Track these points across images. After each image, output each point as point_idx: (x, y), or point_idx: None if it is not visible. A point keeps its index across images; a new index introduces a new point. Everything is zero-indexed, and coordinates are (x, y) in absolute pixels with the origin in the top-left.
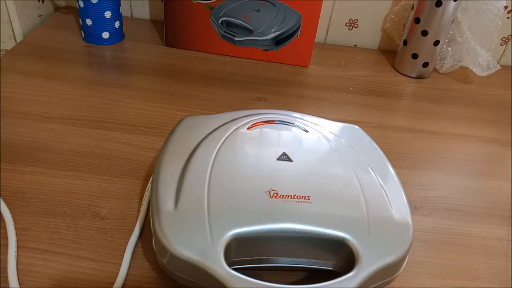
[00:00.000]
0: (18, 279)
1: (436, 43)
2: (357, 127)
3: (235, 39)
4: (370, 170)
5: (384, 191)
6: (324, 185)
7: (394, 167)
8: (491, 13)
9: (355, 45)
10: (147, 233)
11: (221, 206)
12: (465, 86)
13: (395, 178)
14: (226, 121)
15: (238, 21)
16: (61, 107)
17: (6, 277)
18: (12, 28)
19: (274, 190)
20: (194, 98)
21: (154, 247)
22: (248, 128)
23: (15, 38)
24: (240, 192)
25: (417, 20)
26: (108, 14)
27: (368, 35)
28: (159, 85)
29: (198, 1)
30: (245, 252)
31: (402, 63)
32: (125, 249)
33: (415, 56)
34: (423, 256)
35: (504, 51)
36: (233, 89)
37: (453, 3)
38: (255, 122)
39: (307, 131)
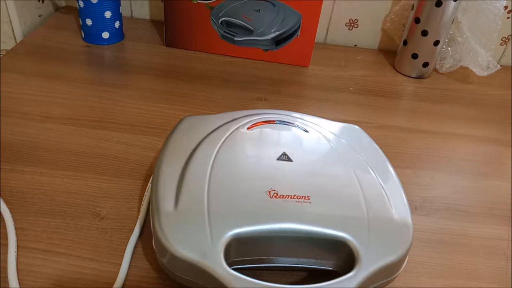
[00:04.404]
0: (18, 279)
1: (436, 43)
2: (357, 127)
3: (235, 39)
4: (370, 170)
5: (384, 191)
6: (324, 185)
7: (394, 167)
8: (491, 13)
9: (355, 45)
10: (147, 233)
11: (221, 206)
12: (465, 86)
13: (395, 178)
14: (226, 121)
15: (238, 21)
16: (61, 107)
17: (6, 277)
18: (12, 28)
19: (274, 190)
20: (194, 98)
21: (154, 247)
22: (248, 128)
23: (15, 38)
24: (240, 192)
25: (417, 20)
26: (108, 14)
27: (368, 35)
28: (159, 85)
29: (198, 1)
30: (245, 252)
31: (402, 63)
32: (125, 249)
33: (415, 56)
34: (423, 256)
35: (504, 51)
36: (233, 89)
37: (453, 3)
38: (255, 122)
39: (307, 131)
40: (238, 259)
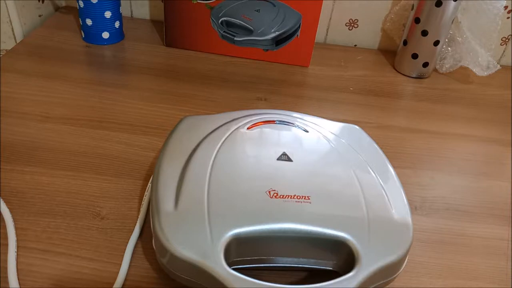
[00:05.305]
0: (18, 279)
1: (436, 43)
2: (357, 127)
3: (235, 39)
4: (370, 170)
5: (384, 191)
6: (324, 185)
7: (394, 167)
8: (491, 13)
9: (355, 45)
10: (147, 233)
11: (221, 206)
12: (465, 86)
13: (395, 178)
14: (226, 121)
15: (238, 21)
16: (61, 107)
17: (6, 277)
18: (12, 28)
19: (274, 190)
20: (194, 98)
21: (154, 247)
22: (248, 128)
23: (15, 38)
24: (240, 192)
25: (417, 20)
26: (108, 14)
27: (368, 35)
28: (159, 85)
29: (198, 1)
30: (245, 252)
31: (402, 63)
32: (125, 249)
33: (415, 56)
34: (423, 256)
35: (504, 51)
36: (233, 89)
37: (453, 3)
38: (255, 122)
39: (307, 131)
40: (238, 259)
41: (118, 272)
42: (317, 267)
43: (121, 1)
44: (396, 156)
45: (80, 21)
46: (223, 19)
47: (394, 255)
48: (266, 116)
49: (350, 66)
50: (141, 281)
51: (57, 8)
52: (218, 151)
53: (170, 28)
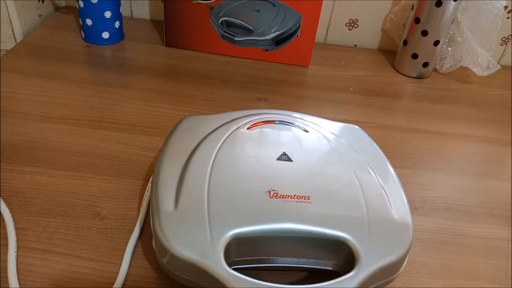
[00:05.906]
0: (18, 279)
1: (436, 43)
2: (357, 127)
3: (235, 39)
4: (370, 170)
5: (384, 191)
6: (324, 185)
7: (394, 167)
8: (491, 13)
9: (355, 45)
10: (147, 233)
11: (221, 206)
12: (465, 86)
13: (395, 178)
14: (226, 121)
15: (238, 21)
16: (61, 107)
17: (6, 277)
18: (12, 28)
19: (274, 190)
20: (194, 98)
21: (154, 247)
22: (248, 128)
23: (15, 38)
24: (240, 192)
25: (417, 20)
26: (108, 14)
27: (368, 35)
28: (159, 85)
29: (198, 1)
30: (245, 252)
31: (402, 63)
32: (125, 249)
33: (415, 56)
34: (423, 256)
35: (504, 51)
36: (233, 89)
37: (453, 3)
38: (255, 122)
39: (307, 131)
40: (238, 259)
41: (118, 272)
42: (317, 267)
43: (121, 1)
44: (396, 156)
45: (80, 21)
46: (223, 19)
47: (394, 255)
48: (266, 116)
49: (350, 66)
50: (141, 281)
51: (57, 8)
52: (218, 151)
53: (170, 28)
